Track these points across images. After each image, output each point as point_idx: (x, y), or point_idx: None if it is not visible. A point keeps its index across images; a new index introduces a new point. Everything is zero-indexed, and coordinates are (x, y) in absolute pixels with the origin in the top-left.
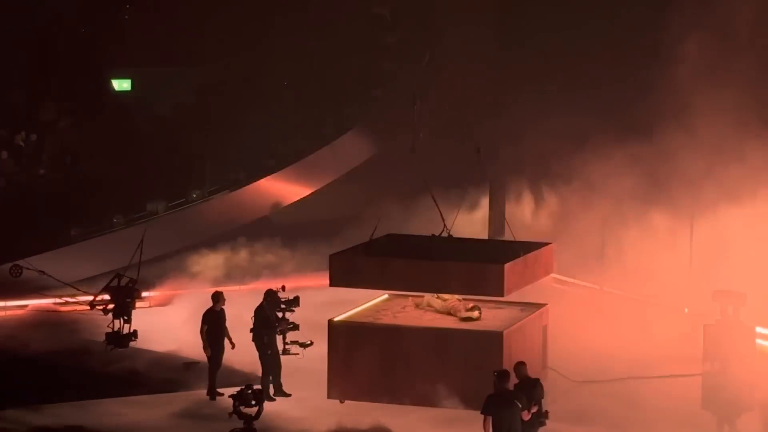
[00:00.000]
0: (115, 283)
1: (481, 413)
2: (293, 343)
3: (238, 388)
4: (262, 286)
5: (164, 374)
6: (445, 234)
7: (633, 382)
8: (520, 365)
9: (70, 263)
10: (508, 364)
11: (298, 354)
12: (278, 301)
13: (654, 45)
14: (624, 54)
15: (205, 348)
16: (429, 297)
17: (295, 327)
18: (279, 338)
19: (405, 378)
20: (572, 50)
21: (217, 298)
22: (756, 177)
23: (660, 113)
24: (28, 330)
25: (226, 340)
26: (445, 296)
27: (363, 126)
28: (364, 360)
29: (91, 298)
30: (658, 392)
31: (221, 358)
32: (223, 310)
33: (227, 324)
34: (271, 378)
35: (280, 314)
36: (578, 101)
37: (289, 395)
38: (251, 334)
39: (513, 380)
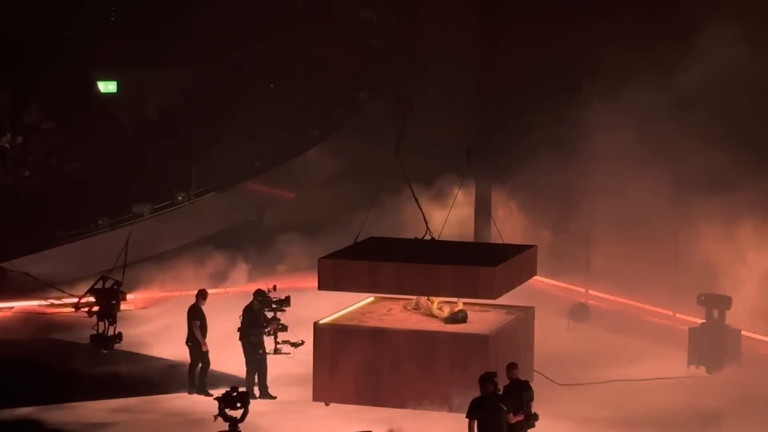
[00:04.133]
0: (100, 285)
1: (467, 417)
2: (284, 342)
3: (223, 391)
4: (247, 288)
5: (148, 376)
6: (428, 237)
7: (618, 385)
8: (511, 367)
9: (55, 265)
10: (494, 367)
11: (289, 354)
12: (269, 300)
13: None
14: (612, 56)
15: (203, 345)
16: (419, 298)
17: (284, 328)
18: (270, 338)
19: (391, 381)
20: (561, 52)
21: (203, 294)
22: (744, 181)
23: (644, 117)
24: (13, 332)
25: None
26: (434, 299)
27: (348, 129)
28: (349, 362)
29: (76, 300)
30: (644, 395)
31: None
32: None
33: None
34: (257, 379)
35: (271, 314)
36: (566, 104)
37: (274, 398)
38: (238, 333)
39: (504, 381)
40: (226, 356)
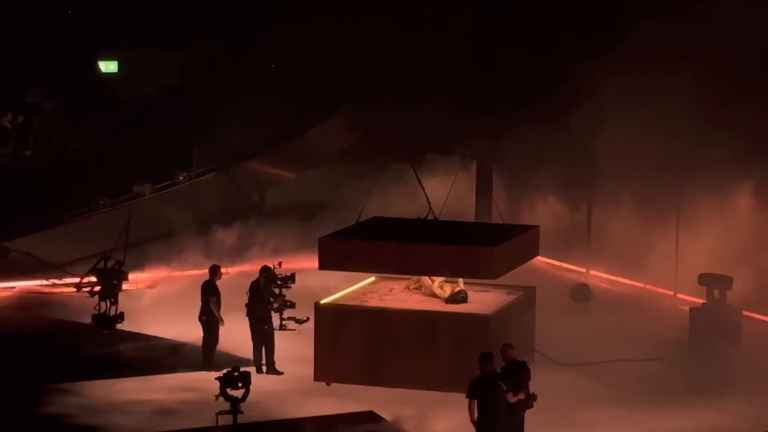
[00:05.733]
0: (101, 265)
1: (466, 397)
2: (290, 319)
3: (225, 371)
4: (248, 268)
5: (150, 356)
6: (431, 217)
7: (619, 365)
8: (506, 348)
9: (56, 245)
10: (495, 347)
11: (294, 330)
12: (274, 277)
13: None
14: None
15: (221, 320)
16: (422, 277)
17: (292, 305)
18: (275, 315)
19: (392, 361)
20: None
21: (217, 270)
22: (741, 159)
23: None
24: (14, 312)
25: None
26: (435, 278)
27: (349, 109)
28: (350, 342)
29: (77, 280)
30: (645, 374)
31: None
32: None
33: None
34: (264, 355)
35: (276, 290)
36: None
37: (281, 373)
38: (246, 309)
39: (500, 362)
40: (231, 335)
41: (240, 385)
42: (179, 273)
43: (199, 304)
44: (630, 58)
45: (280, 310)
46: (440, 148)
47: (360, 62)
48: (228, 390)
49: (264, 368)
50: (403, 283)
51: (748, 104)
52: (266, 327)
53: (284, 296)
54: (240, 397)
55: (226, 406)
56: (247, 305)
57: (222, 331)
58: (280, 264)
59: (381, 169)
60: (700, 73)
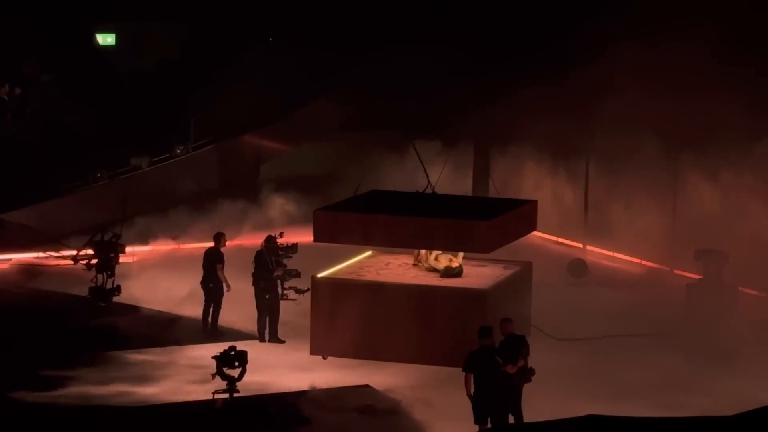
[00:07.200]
0: (98, 238)
1: (463, 371)
2: (290, 289)
3: (221, 349)
4: (246, 241)
5: (146, 330)
6: (429, 190)
7: (616, 340)
8: (505, 322)
9: (53, 218)
10: (491, 322)
11: (295, 300)
12: (276, 247)
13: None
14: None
15: (227, 287)
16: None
17: (297, 274)
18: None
19: (388, 335)
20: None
21: (221, 238)
22: (739, 136)
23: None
24: (10, 284)
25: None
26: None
27: (347, 83)
28: (347, 316)
29: (74, 252)
30: (641, 350)
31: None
32: None
33: None
34: (268, 323)
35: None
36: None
37: (283, 342)
38: (252, 278)
39: (498, 337)
40: (232, 307)
41: (236, 364)
42: (177, 246)
43: (200, 274)
44: (631, 26)
45: (282, 280)
46: (436, 127)
47: (357, 36)
48: (224, 369)
49: (267, 337)
50: (400, 258)
51: (751, 75)
52: (269, 296)
53: (285, 266)
54: (236, 376)
55: (223, 385)
56: (253, 275)
57: (226, 308)
58: (281, 234)
59: (381, 142)
60: (703, 41)
